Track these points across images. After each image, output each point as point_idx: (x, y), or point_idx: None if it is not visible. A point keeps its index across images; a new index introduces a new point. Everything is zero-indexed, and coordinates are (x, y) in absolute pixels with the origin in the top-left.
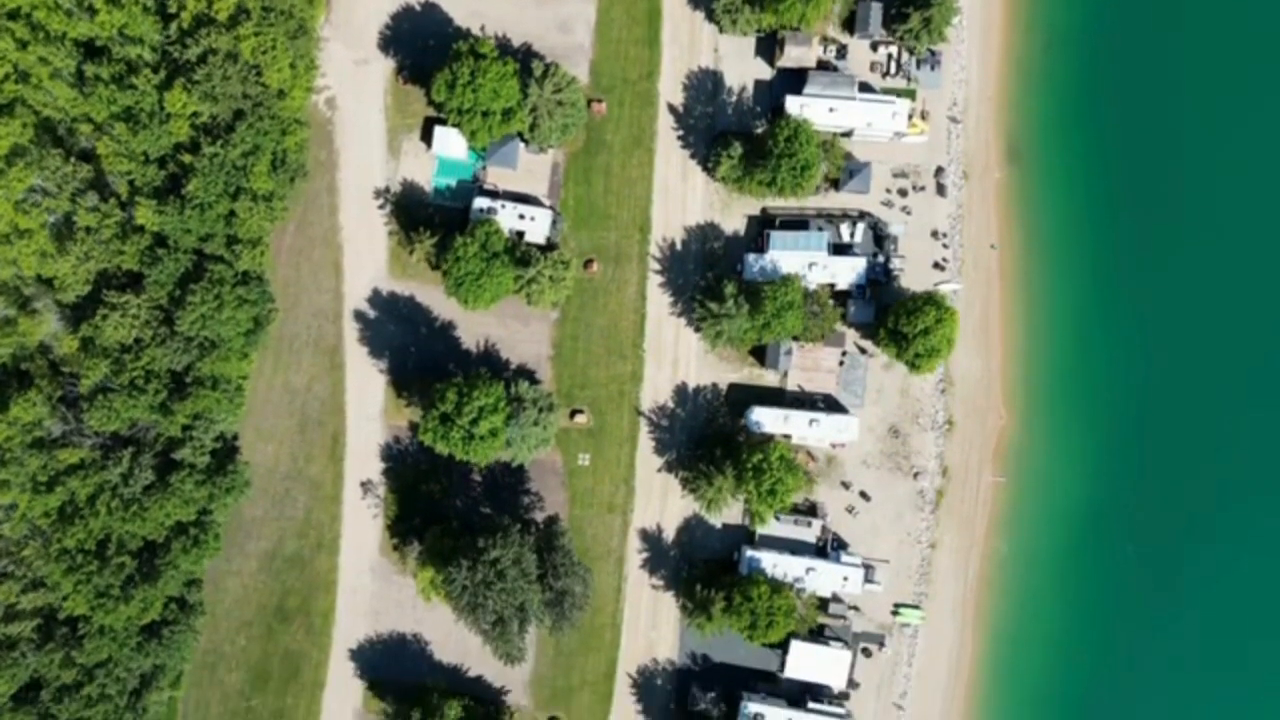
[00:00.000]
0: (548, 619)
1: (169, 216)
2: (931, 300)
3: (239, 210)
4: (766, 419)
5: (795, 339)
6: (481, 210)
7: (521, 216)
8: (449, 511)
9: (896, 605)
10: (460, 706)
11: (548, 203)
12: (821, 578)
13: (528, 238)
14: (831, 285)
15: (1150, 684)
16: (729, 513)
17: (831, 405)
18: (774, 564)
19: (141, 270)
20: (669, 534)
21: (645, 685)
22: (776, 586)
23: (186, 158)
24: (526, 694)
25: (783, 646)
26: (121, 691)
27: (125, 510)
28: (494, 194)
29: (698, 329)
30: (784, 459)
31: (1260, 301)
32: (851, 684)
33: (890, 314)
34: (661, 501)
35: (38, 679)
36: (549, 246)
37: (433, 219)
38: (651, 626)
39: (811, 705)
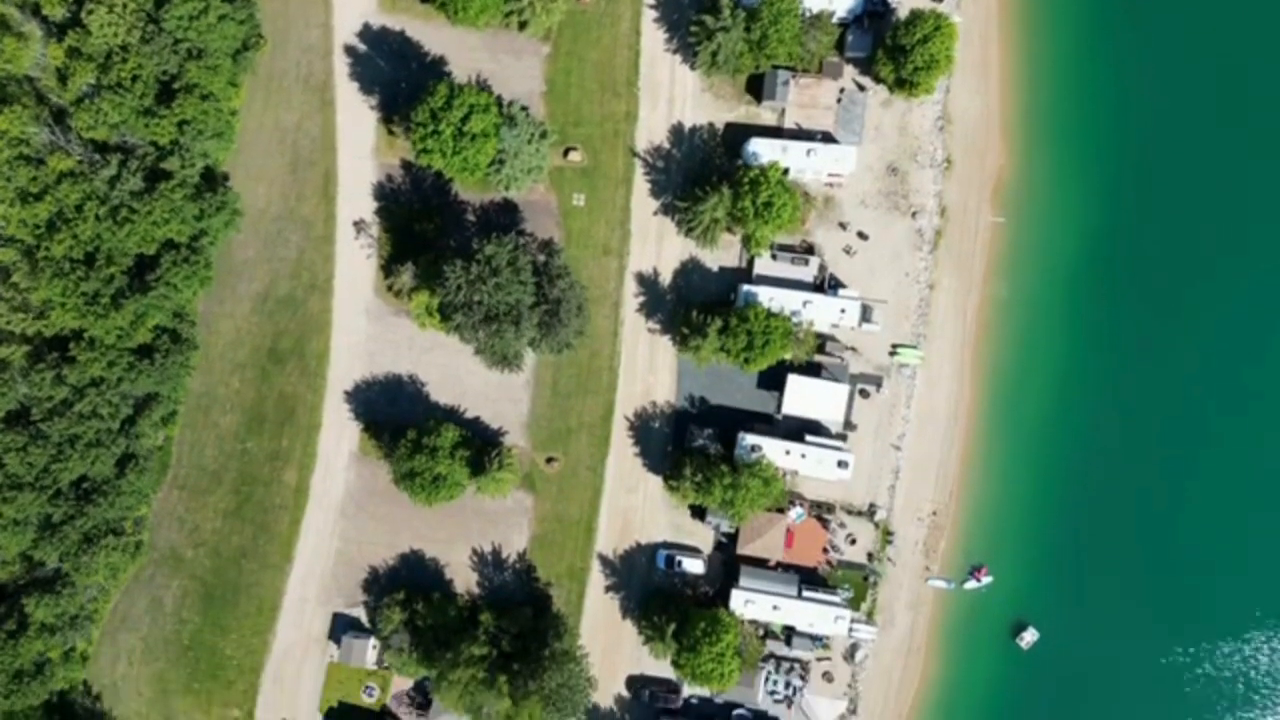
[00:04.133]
0: (543, 333)
1: None
2: (930, 12)
3: None
4: (764, 149)
5: (792, 69)
6: None
7: None
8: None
9: (894, 345)
10: (456, 432)
11: None
12: (819, 310)
13: None
14: (831, 14)
15: (1149, 425)
16: (726, 254)
17: (829, 143)
18: (771, 298)
19: None
20: (665, 278)
21: (643, 428)
22: (773, 315)
23: None
24: (524, 435)
25: (779, 388)
26: (114, 415)
27: (113, 218)
28: None
29: (693, 60)
30: (781, 181)
31: (1267, 29)
32: (849, 425)
33: (888, 33)
34: (658, 245)
35: (27, 407)
36: None
37: None
38: (649, 370)
39: (809, 439)
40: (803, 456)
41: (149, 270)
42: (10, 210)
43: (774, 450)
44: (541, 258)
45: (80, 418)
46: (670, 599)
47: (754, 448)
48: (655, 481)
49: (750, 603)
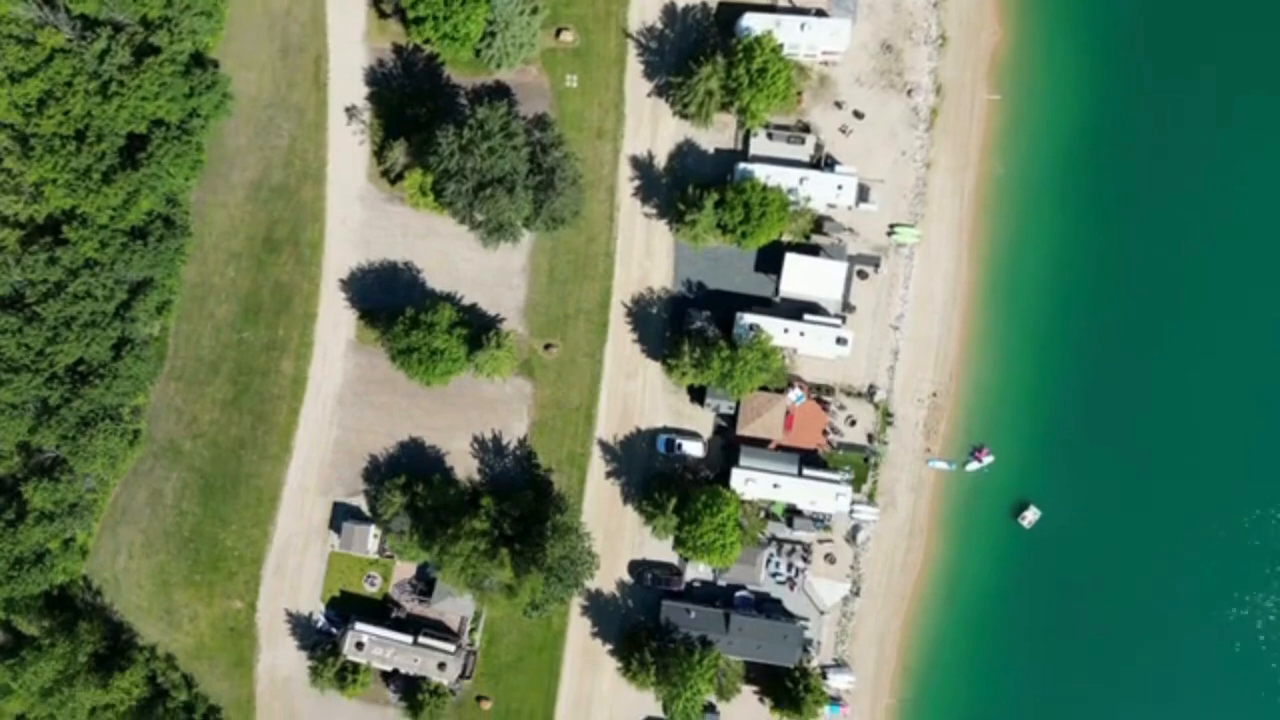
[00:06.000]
0: (537, 206)
1: None
2: None
3: None
4: (757, 23)
5: None
6: None
7: None
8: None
9: (892, 225)
10: (454, 311)
11: None
12: (815, 187)
13: None
14: None
15: (1148, 300)
16: (721, 135)
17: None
18: (767, 175)
19: None
20: (660, 161)
21: (640, 314)
22: (769, 188)
23: None
24: (521, 321)
25: (777, 271)
26: (108, 297)
27: (103, 93)
28: None
29: None
30: (775, 49)
31: None
32: (847, 306)
33: None
34: (652, 127)
35: (21, 293)
36: None
37: None
38: (646, 256)
39: (807, 318)
40: (801, 334)
41: (140, 151)
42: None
43: (773, 329)
44: (537, 134)
45: (74, 299)
46: (671, 482)
47: (752, 327)
48: (654, 367)
49: (751, 481)
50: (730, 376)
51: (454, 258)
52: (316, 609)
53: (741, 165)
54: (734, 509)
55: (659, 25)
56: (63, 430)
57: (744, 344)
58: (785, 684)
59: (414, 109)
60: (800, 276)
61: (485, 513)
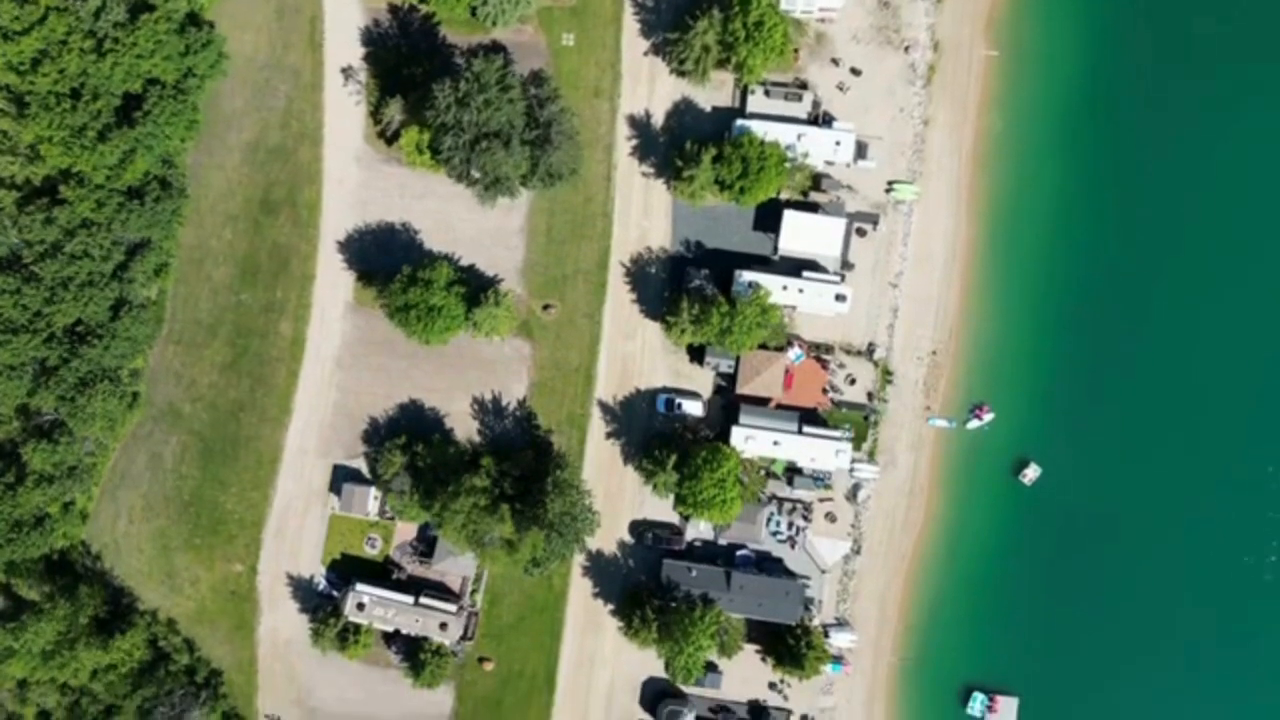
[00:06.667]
0: (534, 162)
1: None
2: None
3: None
4: None
5: None
6: None
7: None
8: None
9: (890, 182)
10: (450, 269)
11: None
12: (813, 143)
13: None
14: None
15: (1148, 256)
16: (718, 94)
17: None
18: (765, 131)
19: None
20: (658, 119)
21: (639, 274)
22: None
23: None
24: (519, 282)
25: (776, 230)
26: (105, 258)
27: (98, 50)
28: None
29: None
30: (772, 5)
31: None
32: (846, 264)
33: None
34: (650, 86)
35: (19, 255)
36: None
37: None
38: (644, 215)
39: (806, 275)
40: (800, 291)
41: (136, 110)
42: None
43: (771, 286)
44: (533, 89)
45: (72, 259)
46: (671, 441)
47: (751, 284)
48: (653, 328)
49: (751, 439)
50: (729, 332)
51: (451, 218)
52: (317, 572)
53: (739, 122)
54: (734, 464)
55: None
56: (61, 391)
57: (743, 300)
58: (787, 641)
59: (410, 69)
60: (799, 234)
61: (485, 472)
